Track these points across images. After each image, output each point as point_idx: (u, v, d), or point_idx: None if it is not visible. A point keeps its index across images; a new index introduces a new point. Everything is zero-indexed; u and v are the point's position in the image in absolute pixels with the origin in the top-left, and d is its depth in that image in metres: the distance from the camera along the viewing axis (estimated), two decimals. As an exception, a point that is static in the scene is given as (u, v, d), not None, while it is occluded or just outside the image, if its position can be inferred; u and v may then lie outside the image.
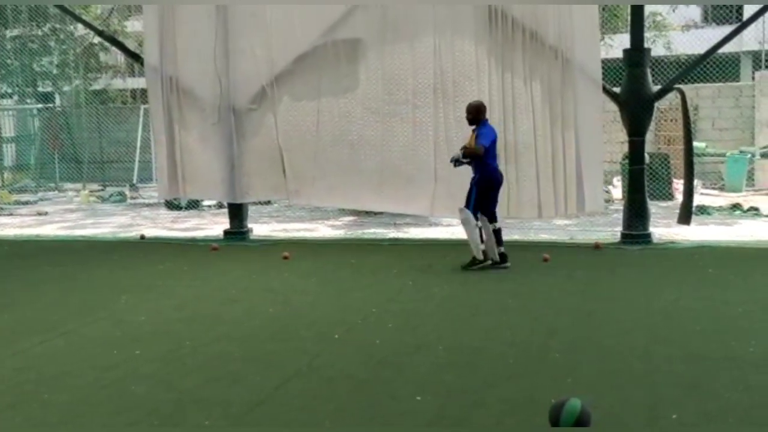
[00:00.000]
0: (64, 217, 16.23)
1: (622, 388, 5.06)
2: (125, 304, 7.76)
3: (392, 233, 12.28)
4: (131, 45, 17.19)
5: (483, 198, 8.96)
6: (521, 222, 11.86)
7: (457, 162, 9.10)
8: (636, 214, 10.57)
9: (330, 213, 14.86)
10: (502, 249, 9.04)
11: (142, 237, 12.39)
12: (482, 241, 8.97)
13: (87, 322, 7.07)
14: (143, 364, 5.78)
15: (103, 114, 23.88)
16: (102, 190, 21.07)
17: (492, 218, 9.02)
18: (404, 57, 10.73)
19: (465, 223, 9.04)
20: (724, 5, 23.60)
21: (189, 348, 6.17)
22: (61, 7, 14.55)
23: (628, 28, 10.75)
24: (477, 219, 8.95)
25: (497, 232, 9.04)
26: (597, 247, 10.42)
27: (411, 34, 10.66)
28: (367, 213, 14.04)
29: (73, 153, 22.91)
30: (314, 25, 10.93)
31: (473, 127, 9.07)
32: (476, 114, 9.05)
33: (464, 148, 9.02)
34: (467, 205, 9.00)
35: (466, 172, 9.21)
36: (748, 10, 17.42)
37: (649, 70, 10.55)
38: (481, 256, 8.99)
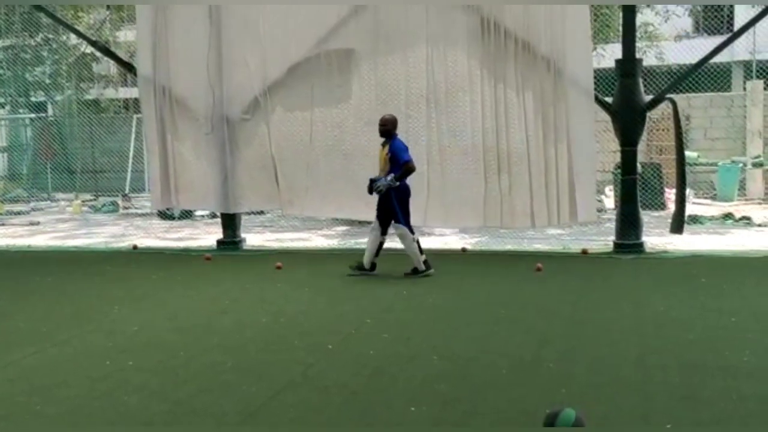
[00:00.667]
0: (56, 227, 16.18)
1: (616, 397, 5.07)
2: (118, 314, 7.73)
3: (385, 243, 12.24)
4: (122, 55, 17.17)
5: (405, 208, 9.17)
6: (514, 231, 11.86)
7: (379, 190, 9.05)
8: (628, 224, 10.59)
9: (323, 223, 14.84)
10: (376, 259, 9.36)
11: (135, 247, 12.35)
12: (421, 251, 9.25)
13: (79, 332, 7.05)
14: (136, 375, 5.76)
15: (96, 123, 23.84)
16: (94, 199, 21.02)
17: (385, 231, 9.30)
18: (397, 67, 10.76)
19: (403, 237, 9.24)
20: (715, 16, 23.72)
21: (182, 358, 6.16)
22: (54, 17, 14.56)
23: (620, 38, 10.79)
24: (413, 232, 9.21)
25: (381, 244, 9.38)
26: (584, 252, 10.58)
27: (404, 44, 10.69)
28: (361, 223, 14.01)
29: (65, 163, 22.85)
30: (307, 36, 10.95)
31: (383, 140, 9.23)
32: (392, 127, 9.21)
33: (390, 173, 9.04)
34: (397, 221, 9.14)
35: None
36: (739, 21, 17.53)
37: (641, 80, 10.60)
38: (422, 267, 9.22)
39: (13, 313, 7.92)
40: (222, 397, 5.24)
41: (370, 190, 9.16)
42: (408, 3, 10.53)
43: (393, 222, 9.21)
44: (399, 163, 9.05)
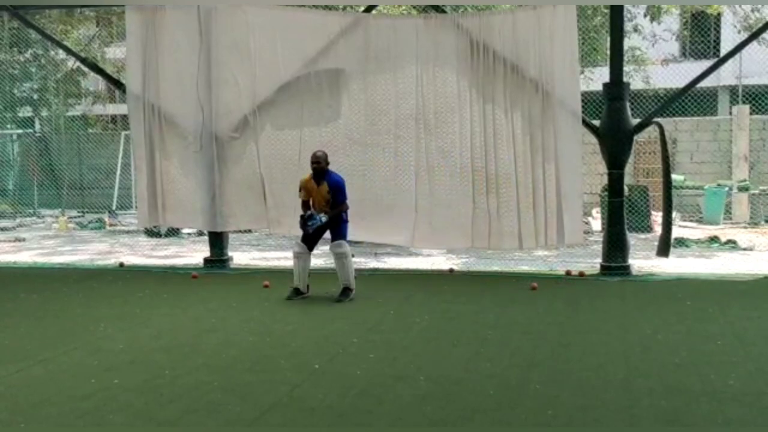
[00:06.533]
0: (42, 243, 16.11)
1: (602, 421, 5.07)
2: (103, 332, 7.69)
3: (372, 263, 12.27)
4: (110, 71, 17.17)
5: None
6: (501, 253, 11.90)
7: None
8: (615, 246, 10.64)
9: (310, 242, 14.80)
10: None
11: (121, 265, 12.31)
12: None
13: (64, 350, 7.00)
14: (120, 394, 5.72)
15: (84, 140, 23.79)
16: (81, 216, 20.94)
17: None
18: (387, 87, 10.82)
19: (346, 255, 9.14)
20: (702, 41, 23.93)
21: (167, 378, 6.12)
22: (43, 33, 14.57)
23: (608, 61, 10.88)
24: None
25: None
26: (568, 273, 10.71)
27: (393, 65, 10.76)
28: (348, 242, 14.00)
29: (52, 179, 22.77)
30: (297, 56, 10.99)
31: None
32: (326, 164, 9.11)
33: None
34: (342, 237, 9.14)
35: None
36: (726, 46, 17.71)
37: (628, 104, 10.68)
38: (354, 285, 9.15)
39: (-3, 330, 7.86)
40: (207, 418, 5.21)
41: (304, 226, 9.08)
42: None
43: (334, 239, 9.10)
44: (339, 200, 9.06)
